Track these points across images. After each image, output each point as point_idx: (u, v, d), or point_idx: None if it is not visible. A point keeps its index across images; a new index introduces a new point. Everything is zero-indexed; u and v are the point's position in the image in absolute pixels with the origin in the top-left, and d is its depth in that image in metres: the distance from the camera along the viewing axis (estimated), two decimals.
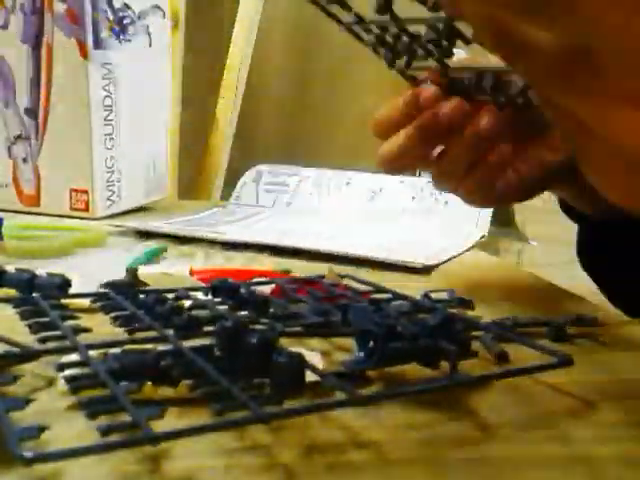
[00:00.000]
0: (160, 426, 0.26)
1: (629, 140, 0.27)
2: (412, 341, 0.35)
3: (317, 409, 0.31)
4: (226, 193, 1.22)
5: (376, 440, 0.30)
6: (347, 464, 0.28)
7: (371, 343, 0.35)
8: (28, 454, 0.24)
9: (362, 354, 0.36)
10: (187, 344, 0.35)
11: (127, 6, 0.80)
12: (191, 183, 1.43)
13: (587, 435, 0.31)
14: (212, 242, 0.67)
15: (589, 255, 0.59)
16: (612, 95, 0.26)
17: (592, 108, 0.28)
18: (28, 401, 0.28)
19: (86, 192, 0.79)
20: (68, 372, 0.32)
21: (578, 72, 0.26)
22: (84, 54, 0.76)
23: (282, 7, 1.67)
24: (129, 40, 0.81)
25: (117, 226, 0.72)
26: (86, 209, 0.80)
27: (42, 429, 0.26)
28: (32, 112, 0.80)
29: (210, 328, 0.38)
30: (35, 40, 0.79)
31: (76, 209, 0.80)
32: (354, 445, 0.29)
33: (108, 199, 0.81)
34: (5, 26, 0.80)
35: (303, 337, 0.41)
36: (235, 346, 0.33)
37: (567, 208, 0.58)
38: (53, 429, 0.27)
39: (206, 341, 0.35)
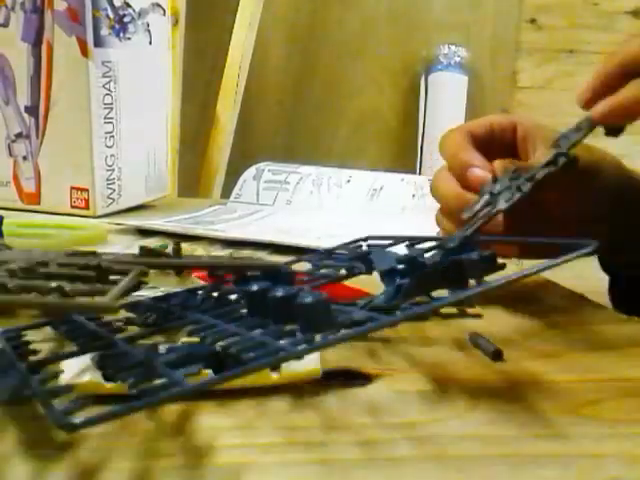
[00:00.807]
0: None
1: None
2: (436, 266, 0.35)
3: (352, 336, 0.31)
4: (226, 191, 1.22)
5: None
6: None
7: (398, 279, 0.35)
8: (70, 420, 0.25)
9: (390, 290, 0.36)
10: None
11: (127, 4, 0.80)
12: (191, 181, 1.43)
13: (587, 433, 0.31)
14: (212, 240, 0.67)
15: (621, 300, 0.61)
16: None
17: None
18: (71, 387, 0.29)
19: (86, 190, 0.79)
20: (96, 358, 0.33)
21: None
22: (84, 52, 0.76)
23: (282, 5, 1.67)
24: (129, 38, 0.81)
25: (117, 224, 0.72)
26: (86, 207, 0.80)
27: (85, 403, 0.26)
28: (32, 110, 0.80)
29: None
30: (35, 38, 0.78)
31: (76, 207, 0.80)
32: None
33: (108, 197, 0.81)
34: (5, 24, 0.80)
35: None
36: (263, 305, 0.34)
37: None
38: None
39: None
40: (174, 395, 0.27)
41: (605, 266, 0.62)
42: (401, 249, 0.44)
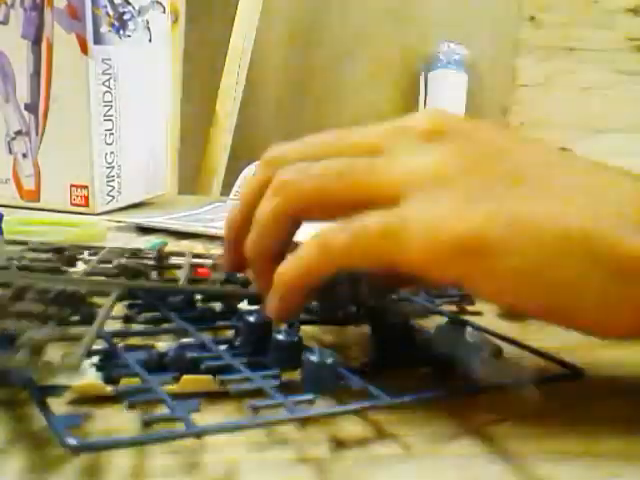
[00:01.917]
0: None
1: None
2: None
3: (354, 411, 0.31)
4: (226, 188, 1.22)
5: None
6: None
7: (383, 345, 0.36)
8: (72, 441, 0.24)
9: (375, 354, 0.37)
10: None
11: (127, 2, 0.80)
12: (191, 178, 1.43)
13: (586, 430, 0.31)
14: (212, 237, 0.67)
15: None
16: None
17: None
18: (65, 388, 0.29)
19: (86, 187, 0.79)
20: (95, 360, 0.32)
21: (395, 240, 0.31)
22: (84, 49, 0.76)
23: (282, 2, 1.67)
24: (129, 35, 0.81)
25: (117, 221, 0.72)
26: (86, 204, 0.80)
27: (86, 417, 0.26)
28: (32, 108, 0.80)
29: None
30: (35, 36, 0.78)
31: (76, 204, 0.80)
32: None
33: (108, 194, 0.81)
34: (5, 21, 0.80)
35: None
36: (262, 341, 0.34)
37: None
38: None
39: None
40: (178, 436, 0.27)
41: None
42: None
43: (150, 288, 0.42)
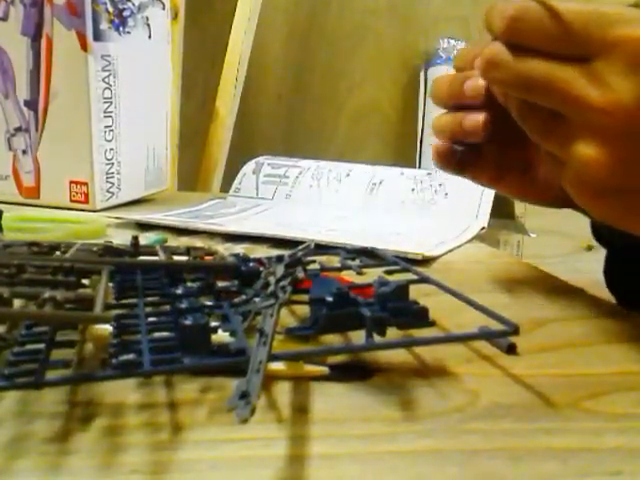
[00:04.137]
0: None
1: (589, 169, 0.39)
2: (363, 308, 0.35)
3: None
4: (226, 185, 1.22)
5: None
6: None
7: (324, 310, 0.36)
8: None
9: (310, 319, 0.37)
10: None
11: None
12: (191, 175, 1.43)
13: (587, 427, 0.31)
14: (212, 234, 0.67)
15: (616, 279, 0.61)
16: (575, 138, 0.40)
17: (564, 147, 0.41)
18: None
19: (86, 184, 0.79)
20: None
21: (557, 127, 0.41)
22: (84, 46, 0.76)
23: None
24: (129, 32, 0.81)
25: (117, 218, 0.72)
26: (86, 201, 0.80)
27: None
28: (32, 104, 0.80)
29: None
30: (35, 32, 0.78)
31: (76, 201, 0.80)
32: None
33: (108, 191, 0.81)
34: (5, 18, 0.80)
35: None
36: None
37: (598, 235, 0.60)
38: None
39: None
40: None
41: (598, 232, 0.61)
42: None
43: (137, 264, 0.45)
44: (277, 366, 0.34)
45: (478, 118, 0.47)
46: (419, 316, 0.37)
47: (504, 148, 0.50)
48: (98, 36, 0.77)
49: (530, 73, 0.40)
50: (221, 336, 0.34)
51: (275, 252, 0.60)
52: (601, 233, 0.60)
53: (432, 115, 1.67)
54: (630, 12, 0.39)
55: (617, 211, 0.42)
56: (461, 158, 0.50)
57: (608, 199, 0.41)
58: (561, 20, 0.39)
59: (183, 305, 0.35)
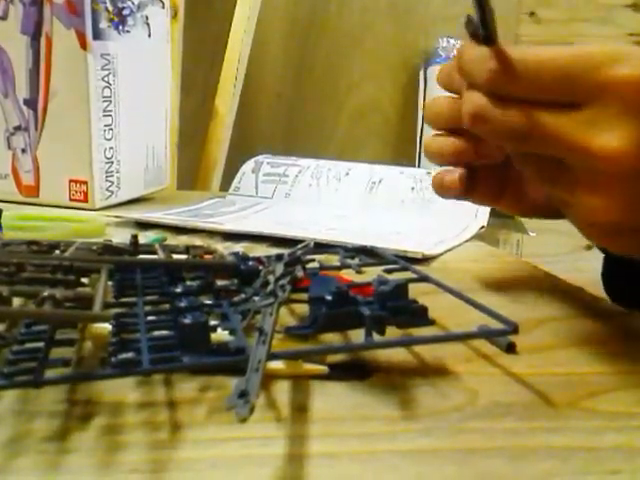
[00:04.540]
0: None
1: (596, 215, 0.39)
2: (363, 307, 0.35)
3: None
4: (225, 184, 1.22)
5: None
6: None
7: (323, 309, 0.36)
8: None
9: (310, 318, 0.37)
10: None
11: None
12: (190, 174, 1.43)
13: (587, 426, 0.31)
14: (211, 232, 0.67)
15: (613, 282, 0.61)
16: (579, 186, 0.39)
17: (569, 193, 0.40)
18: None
19: (85, 183, 0.79)
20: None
21: (559, 174, 0.40)
22: (83, 45, 0.76)
23: None
24: (128, 31, 0.80)
25: (116, 217, 0.72)
26: (85, 200, 0.80)
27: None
28: (31, 103, 0.80)
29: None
30: (34, 31, 0.78)
31: (75, 200, 0.80)
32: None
33: (107, 190, 0.81)
34: (4, 17, 0.79)
35: None
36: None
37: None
38: None
39: None
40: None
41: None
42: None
43: (136, 262, 0.45)
44: (276, 365, 0.34)
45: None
46: (418, 315, 0.36)
47: (503, 166, 0.50)
48: (98, 35, 0.77)
49: (521, 125, 0.39)
50: (220, 335, 0.34)
51: (274, 251, 0.60)
52: None
53: None
54: (614, 49, 0.38)
55: (627, 247, 0.42)
56: (467, 182, 0.50)
57: (618, 238, 0.41)
58: (549, 67, 0.38)
59: (182, 304, 0.35)
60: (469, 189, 0.50)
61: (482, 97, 0.40)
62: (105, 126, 0.79)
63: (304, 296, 0.40)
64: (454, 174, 0.50)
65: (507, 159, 0.47)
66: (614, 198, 0.38)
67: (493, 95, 0.40)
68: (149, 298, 0.40)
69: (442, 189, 0.51)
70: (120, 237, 0.64)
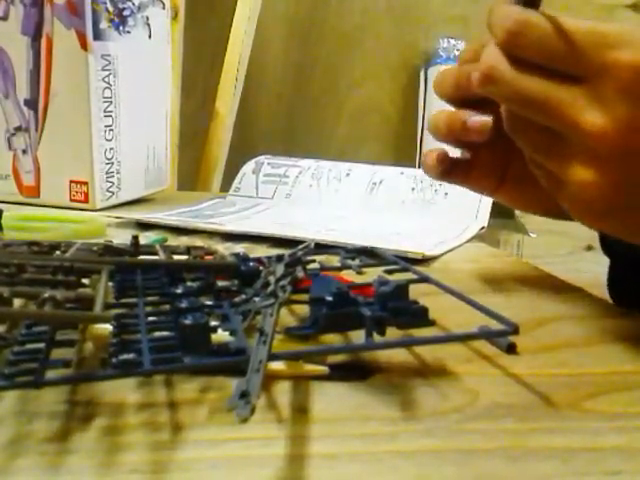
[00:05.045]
0: None
1: (587, 191, 0.40)
2: (363, 307, 0.35)
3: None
4: (226, 184, 1.22)
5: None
6: None
7: (323, 309, 0.36)
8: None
9: (310, 318, 0.37)
10: None
11: None
12: (191, 174, 1.43)
13: (587, 426, 0.31)
14: (212, 233, 0.67)
15: (619, 288, 0.61)
16: (572, 159, 0.40)
17: (561, 167, 0.41)
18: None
19: (86, 183, 0.79)
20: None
21: (553, 145, 0.41)
22: (84, 46, 0.76)
23: None
24: (129, 32, 0.81)
25: (117, 217, 0.72)
26: (86, 200, 0.80)
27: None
28: (32, 103, 0.80)
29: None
30: (35, 32, 0.78)
31: (76, 200, 0.80)
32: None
33: (108, 190, 0.81)
34: (5, 17, 0.80)
35: None
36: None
37: (604, 243, 0.60)
38: None
39: None
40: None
41: (607, 245, 0.61)
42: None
43: (137, 263, 0.45)
44: (277, 366, 0.34)
45: (484, 116, 0.47)
46: (419, 316, 0.37)
47: (504, 155, 0.50)
48: (98, 35, 0.77)
49: (527, 90, 0.40)
50: (221, 335, 0.34)
51: (275, 251, 0.60)
52: (606, 241, 0.60)
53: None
54: (630, 33, 0.39)
55: (617, 228, 0.42)
56: (453, 164, 0.50)
57: (607, 218, 0.41)
58: (562, 37, 0.39)
59: (183, 304, 0.35)
60: (459, 173, 0.51)
61: (499, 55, 0.41)
62: (105, 127, 0.79)
63: (305, 297, 0.40)
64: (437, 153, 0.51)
65: (508, 147, 0.47)
66: (604, 176, 0.39)
67: (508, 55, 0.41)
68: (150, 299, 0.40)
69: (425, 167, 0.52)
70: (121, 238, 0.64)
